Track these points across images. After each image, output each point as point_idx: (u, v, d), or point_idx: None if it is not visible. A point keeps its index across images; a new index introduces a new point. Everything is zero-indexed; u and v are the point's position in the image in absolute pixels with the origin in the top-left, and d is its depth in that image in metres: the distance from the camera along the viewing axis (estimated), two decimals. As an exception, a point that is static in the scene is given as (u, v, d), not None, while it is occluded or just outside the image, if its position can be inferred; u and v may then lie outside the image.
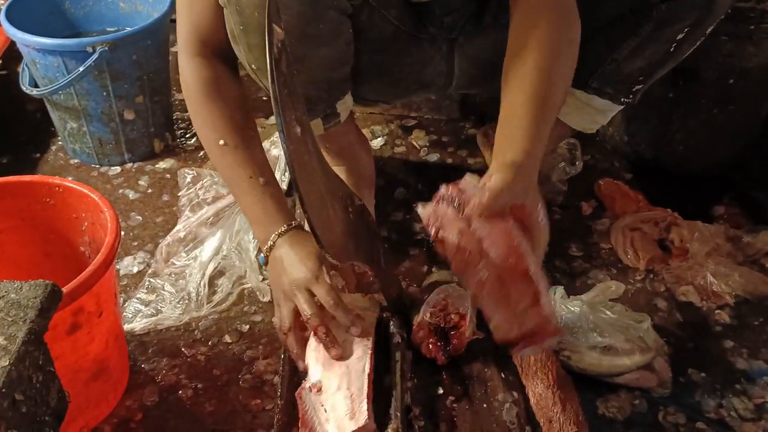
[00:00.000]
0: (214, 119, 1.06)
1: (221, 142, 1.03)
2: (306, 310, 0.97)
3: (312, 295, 0.97)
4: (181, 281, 1.31)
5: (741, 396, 1.14)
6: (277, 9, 0.75)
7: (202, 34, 1.07)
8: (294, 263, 0.98)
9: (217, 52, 1.09)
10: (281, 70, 0.71)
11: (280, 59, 0.70)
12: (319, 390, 0.99)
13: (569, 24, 0.99)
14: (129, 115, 1.60)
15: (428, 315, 1.12)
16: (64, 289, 0.81)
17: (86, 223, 1.09)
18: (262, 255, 1.03)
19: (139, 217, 1.50)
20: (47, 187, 1.09)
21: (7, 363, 0.69)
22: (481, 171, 1.51)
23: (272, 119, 1.75)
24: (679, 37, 1.16)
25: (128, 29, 1.56)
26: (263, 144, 1.49)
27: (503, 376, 1.11)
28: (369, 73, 1.21)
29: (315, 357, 1.04)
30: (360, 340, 1.04)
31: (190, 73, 1.09)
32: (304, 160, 0.73)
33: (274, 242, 1.01)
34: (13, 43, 1.65)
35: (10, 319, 0.72)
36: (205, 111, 1.07)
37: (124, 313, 1.26)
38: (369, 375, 1.00)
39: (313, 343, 1.05)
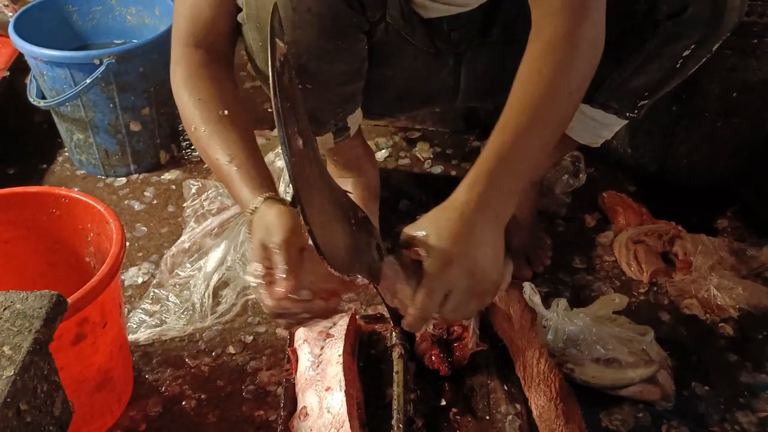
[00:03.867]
0: (192, 105, 1.02)
1: (193, 128, 1.00)
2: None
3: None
4: (185, 292, 1.31)
5: (745, 409, 1.14)
6: (281, 25, 0.76)
7: (198, 27, 1.06)
8: (266, 224, 0.90)
9: (210, 44, 1.07)
10: (284, 84, 0.71)
11: (282, 73, 0.71)
12: (306, 415, 1.00)
13: (583, 23, 0.94)
14: (135, 127, 1.61)
15: (431, 326, 1.12)
16: (69, 300, 0.82)
17: (92, 234, 1.09)
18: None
19: (144, 228, 1.50)
20: (53, 197, 1.10)
21: (12, 373, 0.69)
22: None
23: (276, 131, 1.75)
24: (686, 53, 1.16)
25: (135, 42, 1.57)
26: (268, 155, 1.51)
27: (506, 388, 1.11)
28: (377, 86, 1.22)
29: (299, 383, 1.05)
30: (333, 357, 1.05)
31: (177, 60, 1.06)
32: (306, 172, 0.74)
33: (249, 214, 0.92)
34: (21, 55, 1.66)
35: (15, 329, 0.73)
36: (185, 97, 1.03)
37: (129, 324, 1.26)
38: (349, 392, 1.00)
39: (298, 370, 1.07)
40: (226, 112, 1.00)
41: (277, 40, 0.71)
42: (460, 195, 0.90)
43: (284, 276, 0.84)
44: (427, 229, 0.89)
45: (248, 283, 0.99)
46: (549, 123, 0.94)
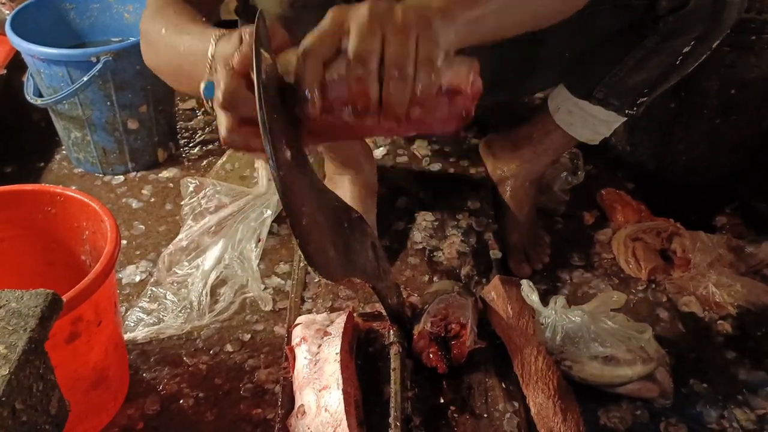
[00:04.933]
0: (159, 24, 0.92)
1: (162, 31, 0.90)
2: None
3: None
4: (183, 290, 1.31)
5: (743, 407, 1.14)
6: (266, 34, 0.73)
7: None
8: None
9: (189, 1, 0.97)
10: (270, 95, 0.69)
11: (268, 84, 0.69)
12: (303, 413, 1.00)
13: None
14: (133, 125, 1.61)
15: (429, 324, 1.12)
16: (63, 298, 0.81)
17: (87, 232, 1.09)
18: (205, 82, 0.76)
19: (142, 226, 1.50)
20: (49, 196, 1.10)
21: (7, 372, 0.69)
22: (483, 180, 1.55)
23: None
24: (686, 49, 1.16)
25: (133, 39, 1.57)
26: (257, 167, 1.51)
27: (504, 385, 1.11)
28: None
29: (296, 382, 1.05)
30: (331, 355, 1.05)
31: (150, 4, 0.97)
32: (294, 186, 0.71)
33: (212, 49, 0.78)
34: (18, 53, 1.66)
35: (10, 328, 0.72)
36: (152, 22, 0.94)
37: (126, 322, 1.26)
38: (346, 390, 1.00)
39: (296, 368, 1.07)
40: (203, 20, 0.90)
41: (262, 50, 0.69)
42: None
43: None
44: None
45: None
46: None
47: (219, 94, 0.69)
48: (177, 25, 0.89)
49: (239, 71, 0.69)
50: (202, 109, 1.87)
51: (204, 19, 0.90)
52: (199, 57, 0.78)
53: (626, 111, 1.26)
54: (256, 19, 0.70)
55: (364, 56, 0.67)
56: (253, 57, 0.66)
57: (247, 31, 0.69)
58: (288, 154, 0.69)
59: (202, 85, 0.72)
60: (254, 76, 0.66)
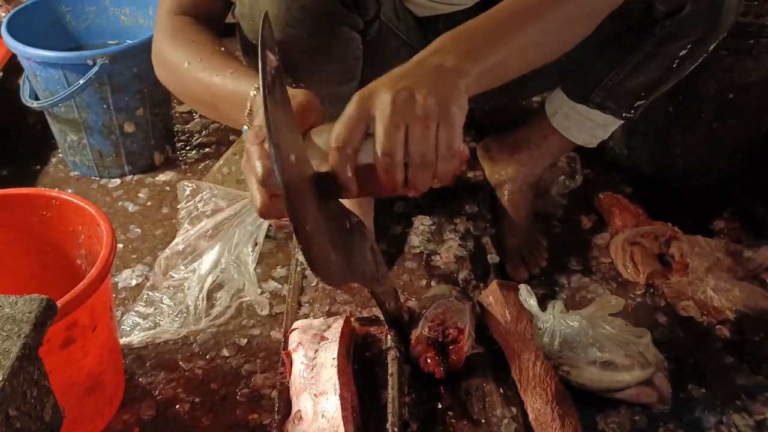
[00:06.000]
0: (178, 50, 0.96)
1: (186, 64, 0.94)
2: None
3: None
4: (179, 294, 1.31)
5: (742, 412, 1.13)
6: (272, 36, 0.74)
7: (185, 7, 1.01)
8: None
9: (200, 17, 1.02)
10: (275, 97, 0.69)
11: (273, 86, 0.69)
12: (300, 419, 0.99)
13: None
14: (129, 128, 1.61)
15: (426, 329, 1.12)
16: (58, 303, 0.81)
17: (83, 236, 1.08)
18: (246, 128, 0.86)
19: (139, 230, 1.50)
20: (44, 199, 1.09)
21: (1, 378, 0.68)
22: (480, 184, 1.54)
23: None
24: (682, 53, 1.16)
25: (129, 42, 1.56)
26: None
27: (502, 391, 1.10)
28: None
29: (293, 387, 1.05)
30: (328, 360, 1.04)
31: (162, 29, 1.00)
32: (298, 187, 0.72)
33: (249, 105, 0.86)
34: (14, 56, 1.65)
35: (4, 334, 0.72)
36: (170, 47, 0.98)
37: (122, 327, 1.25)
38: (343, 396, 0.99)
39: (292, 373, 1.06)
40: (222, 48, 0.95)
41: (268, 52, 0.69)
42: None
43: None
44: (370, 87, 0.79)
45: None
46: (539, 26, 0.88)
47: (258, 173, 0.74)
48: (201, 59, 0.93)
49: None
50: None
51: (222, 47, 0.95)
52: (232, 101, 0.88)
53: (623, 114, 1.26)
54: (261, 23, 0.71)
55: (391, 152, 0.74)
56: (260, 59, 0.67)
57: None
58: (292, 158, 0.70)
59: (243, 128, 0.81)
60: (260, 78, 0.66)
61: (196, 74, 0.93)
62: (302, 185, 0.72)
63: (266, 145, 0.74)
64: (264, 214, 0.77)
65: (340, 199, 0.84)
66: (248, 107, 0.85)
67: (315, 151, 0.79)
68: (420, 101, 0.75)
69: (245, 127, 0.84)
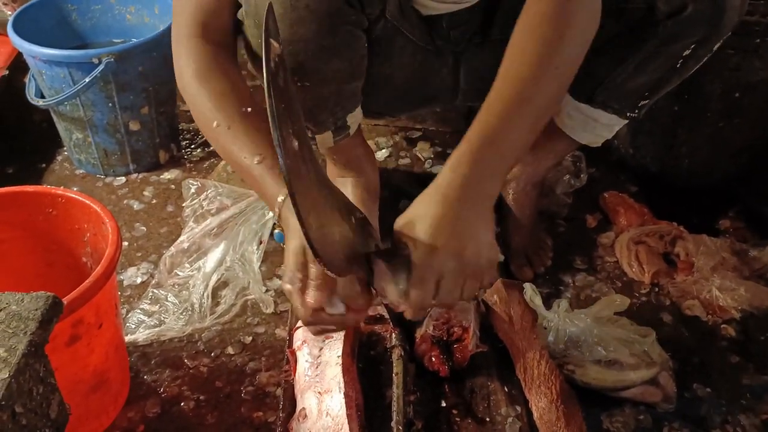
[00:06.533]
0: (207, 100, 1.00)
1: (214, 124, 0.98)
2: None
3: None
4: (184, 292, 1.31)
5: (747, 412, 1.13)
6: (275, 24, 0.75)
7: (204, 15, 1.03)
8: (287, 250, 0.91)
9: (217, 35, 1.05)
10: (278, 85, 0.70)
11: (276, 74, 0.70)
12: (305, 417, 1.00)
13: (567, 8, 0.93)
14: (134, 126, 1.61)
15: (431, 328, 1.12)
16: (64, 301, 0.81)
17: (88, 234, 1.09)
18: (278, 231, 0.98)
19: (144, 228, 1.50)
20: (49, 197, 1.09)
21: (7, 375, 0.68)
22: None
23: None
24: (686, 53, 1.15)
25: (135, 41, 1.56)
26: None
27: (506, 389, 1.10)
28: (376, 85, 1.21)
29: (298, 385, 1.05)
30: (332, 358, 1.04)
31: (186, 54, 1.03)
32: (301, 173, 0.73)
33: (278, 212, 0.93)
34: (19, 54, 1.66)
35: (10, 331, 0.72)
36: (199, 93, 1.01)
37: (128, 324, 1.25)
38: (348, 394, 1.00)
39: (297, 371, 1.06)
40: (249, 109, 0.98)
41: (271, 40, 0.70)
42: (444, 177, 0.89)
43: (318, 286, 0.86)
44: (412, 218, 0.88)
45: (282, 289, 0.99)
46: (536, 102, 0.92)
47: (302, 320, 0.90)
48: (230, 126, 0.97)
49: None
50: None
51: (248, 107, 0.99)
52: (261, 196, 0.97)
53: (627, 114, 1.26)
54: (265, 13, 0.73)
55: (421, 305, 0.89)
56: (263, 53, 0.67)
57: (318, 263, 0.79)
58: (295, 144, 0.70)
59: (276, 231, 0.90)
60: (263, 67, 0.67)
61: (224, 142, 0.98)
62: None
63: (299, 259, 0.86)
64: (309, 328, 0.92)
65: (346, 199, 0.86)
66: (277, 212, 0.90)
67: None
68: (471, 265, 0.87)
69: (277, 231, 0.98)
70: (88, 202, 1.07)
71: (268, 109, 0.67)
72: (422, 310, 0.91)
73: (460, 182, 0.88)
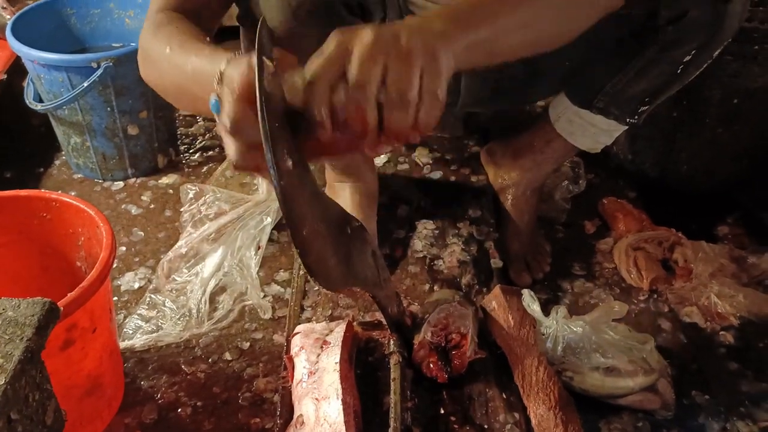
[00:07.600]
0: (161, 36, 0.91)
1: (167, 49, 0.87)
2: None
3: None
4: (182, 298, 1.31)
5: (746, 419, 1.13)
6: (270, 40, 0.73)
7: None
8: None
9: (190, 13, 0.97)
10: (272, 105, 0.69)
11: (270, 93, 0.68)
12: (302, 424, 0.99)
13: None
14: (133, 131, 1.61)
15: (429, 334, 1.11)
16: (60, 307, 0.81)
17: (83, 238, 1.08)
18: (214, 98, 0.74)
19: (141, 233, 1.50)
20: (44, 201, 1.09)
21: (3, 382, 0.68)
22: (484, 189, 1.54)
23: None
24: (686, 59, 1.15)
25: (133, 45, 1.56)
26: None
27: (505, 396, 1.10)
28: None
29: (295, 391, 1.04)
30: (330, 365, 1.04)
31: (149, 23, 0.95)
32: (295, 195, 0.71)
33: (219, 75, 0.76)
34: (18, 58, 1.65)
35: (6, 337, 0.72)
36: (154, 37, 0.92)
37: (125, 330, 1.25)
38: (345, 401, 0.99)
39: (295, 378, 1.06)
40: (207, 39, 0.89)
41: (264, 58, 0.68)
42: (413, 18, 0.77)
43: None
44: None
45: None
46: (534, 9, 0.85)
47: (226, 121, 0.69)
48: (182, 45, 0.87)
49: (244, 97, 0.68)
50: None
51: (208, 37, 0.89)
52: (208, 79, 0.75)
53: (627, 120, 1.26)
54: (258, 27, 0.70)
55: (363, 83, 0.68)
56: (255, 64, 0.66)
57: (253, 60, 0.68)
58: (289, 163, 0.69)
59: (211, 100, 0.72)
60: (256, 84, 0.65)
61: (175, 58, 0.87)
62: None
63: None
64: (239, 166, 0.72)
65: (336, 202, 0.83)
66: (222, 67, 0.72)
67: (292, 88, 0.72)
68: (404, 42, 0.70)
69: (213, 97, 0.72)
70: (82, 206, 1.07)
71: (261, 130, 0.65)
72: (369, 102, 0.69)
73: (414, 18, 0.77)
